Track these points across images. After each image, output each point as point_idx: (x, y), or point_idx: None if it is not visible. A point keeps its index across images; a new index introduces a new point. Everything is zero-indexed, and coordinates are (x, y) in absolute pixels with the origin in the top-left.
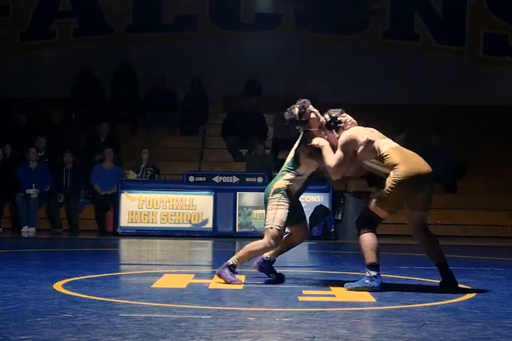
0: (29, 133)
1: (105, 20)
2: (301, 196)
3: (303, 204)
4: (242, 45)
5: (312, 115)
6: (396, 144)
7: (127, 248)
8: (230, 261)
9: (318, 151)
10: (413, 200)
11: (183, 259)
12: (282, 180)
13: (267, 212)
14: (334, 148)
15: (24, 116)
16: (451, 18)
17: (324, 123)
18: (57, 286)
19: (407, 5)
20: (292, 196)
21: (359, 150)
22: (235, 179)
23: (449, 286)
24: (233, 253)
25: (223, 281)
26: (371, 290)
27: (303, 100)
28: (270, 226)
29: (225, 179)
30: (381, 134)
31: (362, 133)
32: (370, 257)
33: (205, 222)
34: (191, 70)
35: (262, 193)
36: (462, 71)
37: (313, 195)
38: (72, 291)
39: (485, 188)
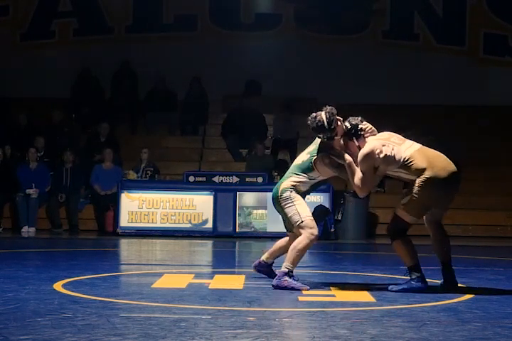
0: (29, 133)
1: (105, 20)
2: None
3: None
4: (242, 45)
5: (339, 123)
6: (419, 145)
7: (127, 248)
8: (285, 268)
9: (337, 163)
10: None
11: (183, 259)
12: (289, 181)
13: (287, 211)
14: (354, 156)
15: (24, 116)
16: (451, 18)
17: (345, 130)
18: (57, 286)
19: (407, 5)
20: (299, 195)
21: (378, 166)
22: (235, 179)
23: (449, 286)
24: (233, 253)
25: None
26: (418, 290)
27: (330, 107)
28: (300, 220)
29: (225, 179)
30: (400, 138)
31: (378, 147)
32: (408, 261)
33: (205, 222)
34: (191, 70)
35: (262, 193)
36: (462, 71)
37: (313, 194)
38: (72, 291)
39: (485, 188)
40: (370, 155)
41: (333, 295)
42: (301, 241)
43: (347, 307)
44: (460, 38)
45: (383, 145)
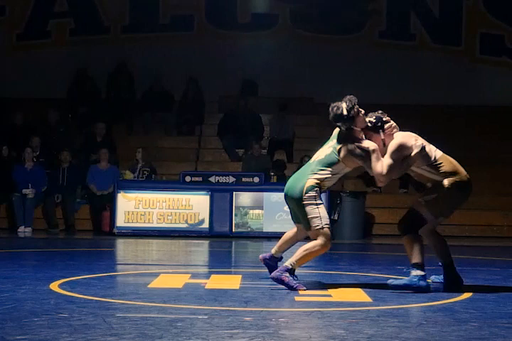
0: (25, 133)
1: (101, 20)
2: None
3: None
4: (238, 45)
5: (360, 114)
6: (441, 151)
7: (124, 248)
8: (289, 265)
9: (361, 151)
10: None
11: (179, 259)
12: (313, 179)
13: (308, 212)
14: (381, 151)
15: (21, 116)
16: (447, 18)
17: (370, 125)
18: (54, 286)
19: (404, 5)
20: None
21: (412, 156)
22: (232, 179)
23: (455, 286)
24: (229, 253)
25: (283, 286)
26: (418, 289)
27: (350, 96)
28: (321, 226)
29: (222, 179)
30: (425, 140)
31: (413, 138)
32: (415, 258)
33: (202, 222)
34: (188, 70)
35: (259, 193)
36: (459, 71)
37: None
38: (69, 291)
39: (483, 188)
40: (404, 145)
41: (330, 295)
42: (315, 246)
43: (343, 307)
44: (456, 38)
45: (416, 140)
